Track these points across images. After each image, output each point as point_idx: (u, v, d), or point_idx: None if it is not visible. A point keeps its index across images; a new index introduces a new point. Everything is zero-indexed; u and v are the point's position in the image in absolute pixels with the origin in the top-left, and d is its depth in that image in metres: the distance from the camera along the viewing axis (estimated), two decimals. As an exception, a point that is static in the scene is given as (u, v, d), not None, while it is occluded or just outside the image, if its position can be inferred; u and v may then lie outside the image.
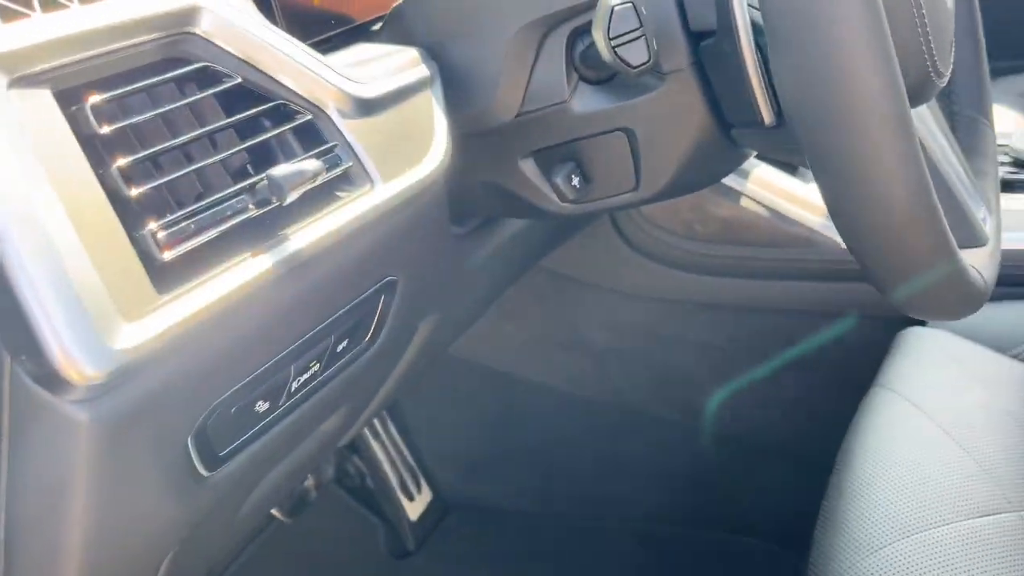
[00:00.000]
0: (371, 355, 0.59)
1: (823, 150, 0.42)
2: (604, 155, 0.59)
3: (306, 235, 0.46)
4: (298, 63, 0.49)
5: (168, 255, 0.39)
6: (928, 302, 0.49)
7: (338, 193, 0.49)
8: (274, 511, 1.16)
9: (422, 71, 0.57)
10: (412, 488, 1.37)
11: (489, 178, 0.64)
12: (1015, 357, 0.91)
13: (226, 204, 0.42)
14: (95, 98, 0.40)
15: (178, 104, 0.44)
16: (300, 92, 0.48)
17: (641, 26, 0.49)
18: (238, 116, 0.46)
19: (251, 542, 1.19)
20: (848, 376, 1.07)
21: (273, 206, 0.44)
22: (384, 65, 0.56)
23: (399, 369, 0.74)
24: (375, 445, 1.34)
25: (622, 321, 1.20)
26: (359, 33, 0.63)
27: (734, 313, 1.15)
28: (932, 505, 0.72)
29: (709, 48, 0.53)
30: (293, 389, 0.50)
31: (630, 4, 0.50)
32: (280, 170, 0.43)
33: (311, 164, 0.43)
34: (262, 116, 0.48)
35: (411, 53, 0.58)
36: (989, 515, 0.72)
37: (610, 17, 0.49)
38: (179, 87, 0.45)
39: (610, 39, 0.50)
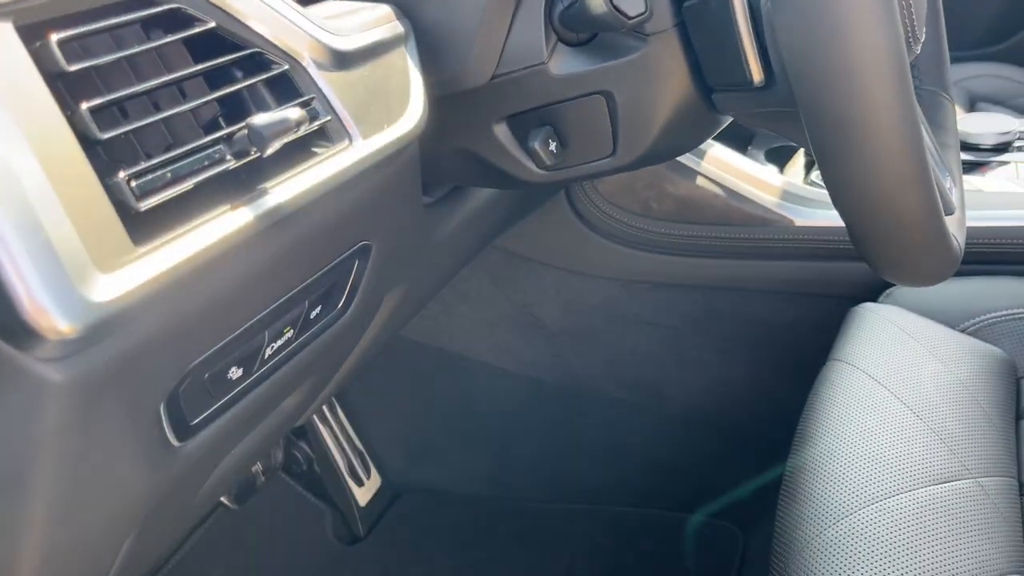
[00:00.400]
0: (343, 324, 0.56)
1: (821, 105, 0.42)
2: (581, 119, 0.58)
3: (283, 191, 0.43)
4: (273, 9, 0.46)
5: (144, 204, 0.36)
6: (911, 264, 0.49)
7: (315, 149, 0.47)
8: (222, 496, 1.12)
9: (396, 27, 0.55)
10: (361, 473, 1.34)
11: (461, 144, 0.62)
12: (964, 331, 0.94)
13: (203, 154, 0.40)
14: (59, 35, 0.37)
15: (145, 47, 0.41)
16: (275, 41, 0.46)
17: (638, -25, 0.48)
18: (210, 63, 0.43)
19: (197, 528, 1.15)
20: (802, 354, 1.09)
21: (252, 158, 0.41)
22: (357, 20, 0.53)
23: (363, 344, 0.72)
24: (322, 429, 1.31)
25: (576, 301, 1.19)
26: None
27: (689, 292, 1.15)
28: (892, 473, 0.73)
29: (694, 8, 0.53)
30: (267, 356, 0.48)
31: None
32: (261, 118, 0.40)
33: (294, 112, 0.41)
34: (234, 66, 0.45)
35: (384, 9, 0.56)
36: (947, 482, 0.73)
37: None
38: (145, 31, 0.42)
39: (607, -13, 0.48)
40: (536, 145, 0.58)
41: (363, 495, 1.33)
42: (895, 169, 0.42)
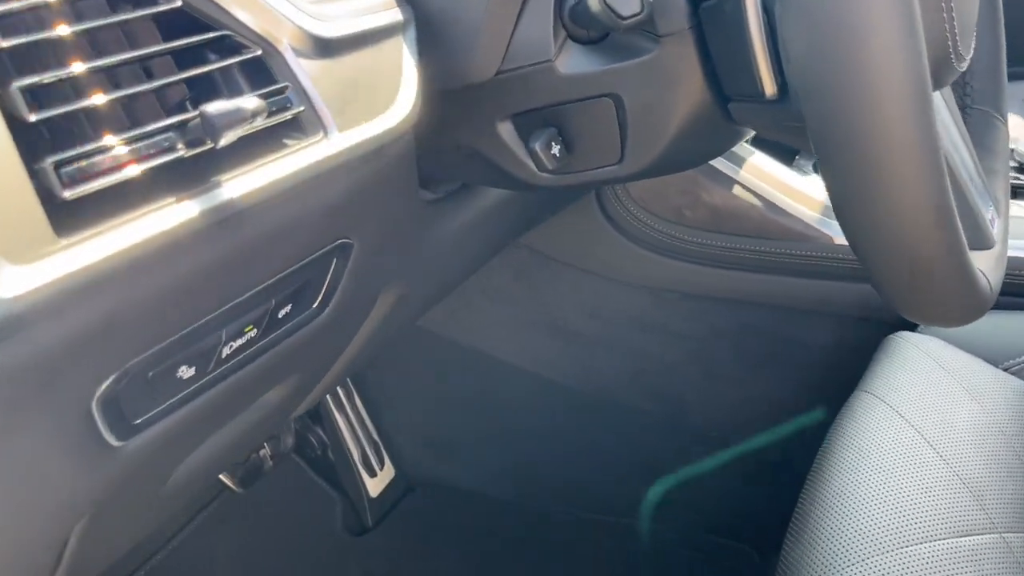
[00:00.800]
0: (321, 323, 0.54)
1: (828, 126, 0.37)
2: (588, 123, 0.54)
3: (242, 184, 0.40)
4: (251, -9, 0.43)
5: (71, 193, 0.34)
6: (931, 305, 0.45)
7: (286, 141, 0.44)
8: (226, 480, 1.11)
9: (394, 15, 0.52)
10: (375, 463, 1.33)
11: (464, 140, 0.59)
12: (1007, 370, 0.87)
13: (150, 141, 0.37)
14: (4, 6, 0.35)
15: (105, 21, 0.38)
16: (249, 24, 0.43)
17: (634, -28, 0.44)
18: (174, 43, 0.40)
19: (202, 510, 1.15)
20: (833, 378, 1.03)
21: (206, 148, 0.39)
22: (352, 5, 0.50)
23: (359, 339, 0.70)
24: (338, 417, 1.30)
25: (601, 306, 1.15)
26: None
27: (719, 305, 1.10)
28: (911, 521, 0.68)
29: (710, 9, 0.48)
30: (224, 355, 0.45)
31: None
32: (215, 107, 0.37)
33: (251, 102, 0.38)
34: (208, 49, 0.43)
35: (384, -6, 0.53)
36: (970, 535, 0.68)
37: None
38: (111, 4, 0.40)
39: (599, -15, 0.45)
40: (537, 147, 0.54)
41: (375, 486, 1.32)
42: (907, 207, 0.38)
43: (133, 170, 0.36)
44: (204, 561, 1.12)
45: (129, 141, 0.37)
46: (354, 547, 1.26)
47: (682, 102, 0.51)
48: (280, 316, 0.49)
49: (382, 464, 1.34)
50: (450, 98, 0.56)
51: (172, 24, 0.41)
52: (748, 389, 1.12)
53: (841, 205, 0.41)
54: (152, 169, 0.37)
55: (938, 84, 0.50)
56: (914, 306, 0.45)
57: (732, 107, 0.52)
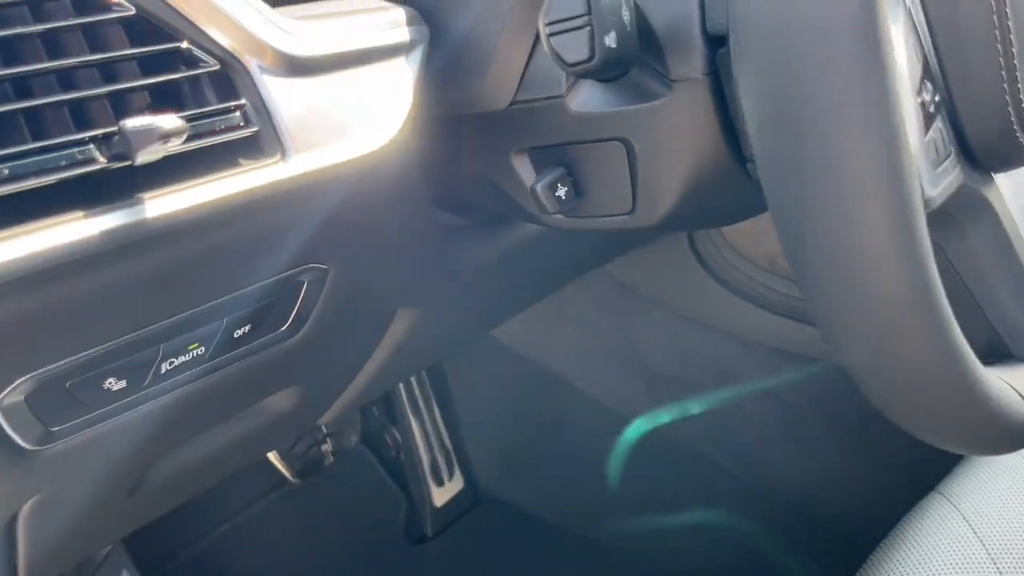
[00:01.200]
0: (294, 345, 0.52)
1: (783, 203, 0.31)
2: (599, 166, 0.50)
3: (174, 202, 0.39)
4: (222, 5, 0.42)
5: (-46, 201, 0.33)
6: (945, 432, 0.37)
7: (241, 160, 0.42)
8: (283, 470, 1.13)
9: (399, 35, 0.49)
10: (444, 473, 1.32)
11: (480, 169, 0.56)
12: (1126, 494, 0.74)
13: (62, 152, 0.36)
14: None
15: (62, 23, 0.38)
16: (216, 37, 0.42)
17: (588, 13, 0.39)
18: (123, 52, 0.39)
19: (262, 497, 1.18)
20: (919, 464, 0.92)
21: (127, 163, 0.38)
22: (354, 22, 0.48)
23: (379, 357, 0.68)
24: (413, 421, 1.30)
25: (685, 348, 1.09)
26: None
27: (812, 366, 1.01)
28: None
29: (726, 56, 0.42)
30: (164, 371, 0.44)
31: None
32: (132, 122, 0.36)
33: (169, 122, 0.36)
34: (180, 61, 0.42)
35: (398, 13, 0.50)
36: None
37: None
38: (77, 7, 0.40)
39: (547, 24, 0.40)
40: (538, 188, 0.50)
41: (440, 495, 1.30)
42: (878, 311, 0.31)
43: (36, 181, 0.35)
44: (259, 547, 1.14)
45: (39, 151, 0.36)
46: (408, 553, 1.25)
47: (692, 155, 0.46)
48: (236, 336, 0.47)
49: (451, 474, 1.32)
50: (467, 125, 0.53)
51: (143, 34, 0.41)
52: (829, 459, 1.02)
53: (806, 294, 0.34)
54: (67, 179, 0.36)
55: (1001, 164, 0.42)
56: (923, 431, 0.38)
57: (750, 167, 0.45)
